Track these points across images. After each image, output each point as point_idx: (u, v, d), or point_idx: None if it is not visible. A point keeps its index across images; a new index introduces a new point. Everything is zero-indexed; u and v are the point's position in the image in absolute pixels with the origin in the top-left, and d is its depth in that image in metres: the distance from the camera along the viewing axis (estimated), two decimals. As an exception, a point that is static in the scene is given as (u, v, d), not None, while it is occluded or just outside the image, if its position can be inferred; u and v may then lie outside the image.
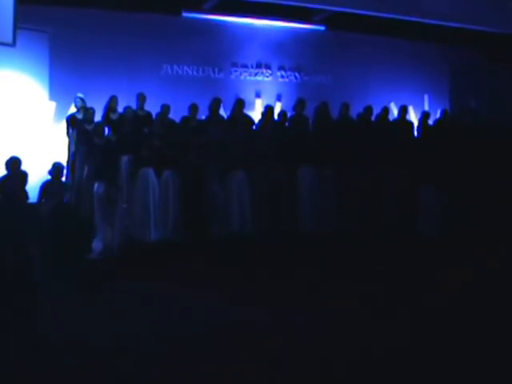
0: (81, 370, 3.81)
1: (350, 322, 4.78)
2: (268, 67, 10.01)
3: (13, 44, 7.69)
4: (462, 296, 5.59)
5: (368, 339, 4.39)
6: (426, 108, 10.54)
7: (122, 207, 7.33)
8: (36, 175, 7.45)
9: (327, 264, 7.00)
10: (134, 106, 8.25)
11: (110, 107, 8.02)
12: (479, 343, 4.23)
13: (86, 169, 7.47)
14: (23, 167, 7.05)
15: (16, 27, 7.60)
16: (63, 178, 7.45)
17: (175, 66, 9.45)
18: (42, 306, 5.39)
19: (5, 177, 6.90)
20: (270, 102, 9.40)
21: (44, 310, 5.32)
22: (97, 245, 6.99)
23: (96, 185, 7.17)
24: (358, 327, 4.66)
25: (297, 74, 10.19)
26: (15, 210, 6.30)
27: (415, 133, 9.45)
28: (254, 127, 8.68)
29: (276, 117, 8.79)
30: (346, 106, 9.08)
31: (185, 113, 8.35)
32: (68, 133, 8.02)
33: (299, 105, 8.89)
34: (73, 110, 8.14)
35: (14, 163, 6.92)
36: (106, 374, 3.78)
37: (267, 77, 10.02)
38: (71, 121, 8.02)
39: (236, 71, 9.84)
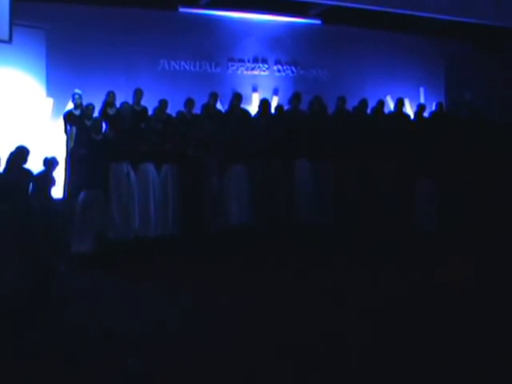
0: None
1: (349, 316, 4.83)
2: (265, 61, 10.03)
3: (9, 40, 7.70)
4: (458, 289, 5.66)
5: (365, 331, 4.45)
6: (422, 101, 10.58)
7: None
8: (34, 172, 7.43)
9: (326, 257, 7.05)
10: (131, 101, 8.23)
11: (108, 103, 8.01)
12: (480, 338, 4.27)
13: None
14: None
15: (12, 23, 7.61)
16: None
17: (172, 62, 9.46)
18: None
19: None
20: (267, 96, 9.42)
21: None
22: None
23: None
24: (356, 321, 4.71)
25: (293, 68, 10.21)
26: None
27: (411, 125, 9.50)
28: (251, 121, 8.71)
29: (273, 111, 8.83)
30: (342, 100, 9.11)
31: (182, 108, 8.36)
32: (66, 130, 8.01)
33: (295, 99, 8.92)
34: (70, 106, 8.13)
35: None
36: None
37: (264, 71, 10.05)
38: (68, 117, 7.99)
39: (233, 66, 9.86)
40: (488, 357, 3.91)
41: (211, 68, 9.70)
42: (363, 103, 9.19)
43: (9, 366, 3.85)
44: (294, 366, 3.82)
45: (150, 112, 8.25)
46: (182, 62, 9.52)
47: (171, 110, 8.28)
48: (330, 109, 9.06)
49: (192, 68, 9.60)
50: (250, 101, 9.53)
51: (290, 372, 3.73)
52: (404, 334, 4.43)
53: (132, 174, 7.43)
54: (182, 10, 9.44)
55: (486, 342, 4.19)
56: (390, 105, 9.99)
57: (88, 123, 7.73)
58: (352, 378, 3.67)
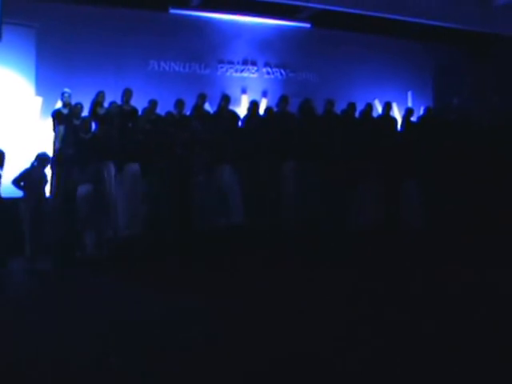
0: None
1: (347, 316, 4.82)
2: (254, 64, 10.08)
3: (-2, 39, 7.70)
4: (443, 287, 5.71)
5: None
6: (410, 105, 10.67)
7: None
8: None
9: (315, 257, 7.09)
10: (120, 101, 8.23)
11: (98, 102, 8.00)
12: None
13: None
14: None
15: (2, 22, 7.61)
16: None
17: (162, 62, 9.48)
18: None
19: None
20: (256, 98, 9.45)
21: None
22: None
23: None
24: (353, 320, 4.72)
25: (282, 71, 10.26)
26: None
27: (399, 129, 9.61)
28: (240, 123, 8.76)
29: (262, 113, 8.89)
30: (330, 103, 9.19)
31: (171, 108, 8.38)
32: (54, 128, 8.00)
33: (282, 101, 8.98)
34: (59, 105, 8.12)
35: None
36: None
37: (253, 73, 10.09)
38: (57, 116, 7.99)
39: (222, 67, 9.89)
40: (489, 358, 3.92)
41: (200, 69, 9.73)
42: (351, 106, 9.28)
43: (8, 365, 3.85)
44: (292, 366, 3.82)
45: (139, 112, 8.27)
46: (172, 63, 9.54)
47: (160, 111, 8.30)
48: (319, 112, 9.13)
49: (181, 69, 9.62)
50: (238, 103, 9.57)
51: (289, 372, 3.74)
52: (402, 333, 4.42)
53: (118, 173, 7.44)
54: (172, 11, 9.46)
55: (485, 342, 4.20)
56: (378, 108, 10.07)
57: (76, 122, 7.74)
58: (352, 378, 3.67)
